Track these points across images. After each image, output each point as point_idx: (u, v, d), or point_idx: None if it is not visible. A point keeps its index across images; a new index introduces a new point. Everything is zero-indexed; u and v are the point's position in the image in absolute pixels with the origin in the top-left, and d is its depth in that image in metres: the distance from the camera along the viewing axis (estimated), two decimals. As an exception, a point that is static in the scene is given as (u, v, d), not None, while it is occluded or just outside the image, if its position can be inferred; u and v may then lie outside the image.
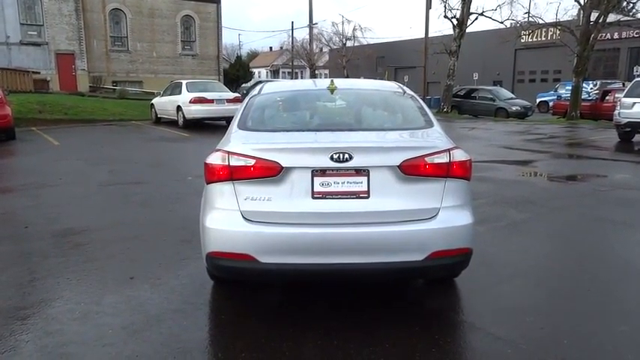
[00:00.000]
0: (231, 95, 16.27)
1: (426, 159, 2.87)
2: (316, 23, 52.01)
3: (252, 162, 2.85)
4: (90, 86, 26.59)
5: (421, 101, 3.71)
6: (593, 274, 4.00)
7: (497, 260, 4.27)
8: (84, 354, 2.81)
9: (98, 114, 18.82)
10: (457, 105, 26.58)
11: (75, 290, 3.67)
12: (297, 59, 56.52)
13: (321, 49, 51.69)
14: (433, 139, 3.07)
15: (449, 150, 2.95)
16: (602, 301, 3.47)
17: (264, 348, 2.85)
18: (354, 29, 46.78)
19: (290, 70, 64.37)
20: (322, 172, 2.84)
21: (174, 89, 16.35)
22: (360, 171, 2.84)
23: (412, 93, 3.84)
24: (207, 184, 3.00)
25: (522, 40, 29.44)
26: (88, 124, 17.10)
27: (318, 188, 2.84)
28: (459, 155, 2.99)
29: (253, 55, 76.67)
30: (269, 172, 2.82)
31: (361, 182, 2.85)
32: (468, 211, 3.02)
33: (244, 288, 3.66)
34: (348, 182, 2.84)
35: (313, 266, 2.81)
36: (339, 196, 2.84)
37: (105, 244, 4.70)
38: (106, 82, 27.65)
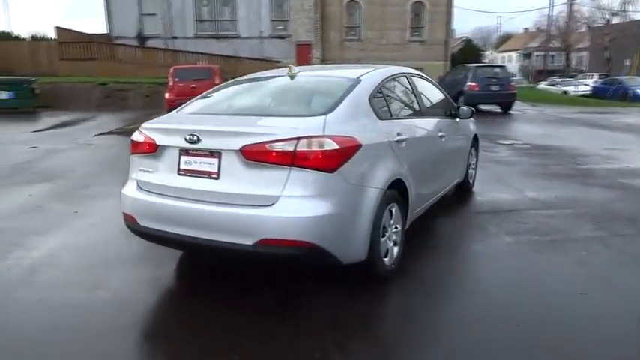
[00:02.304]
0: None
1: (266, 146, 2.88)
2: (577, -2, 45.66)
3: (142, 139, 3.35)
4: (323, 73, 29.74)
5: (359, 91, 3.46)
6: (572, 314, 3.13)
7: (471, 278, 3.70)
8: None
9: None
10: None
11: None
12: (552, 41, 50.82)
13: (588, 27, 45.12)
14: (290, 126, 2.98)
15: (297, 138, 2.86)
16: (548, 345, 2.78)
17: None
18: (624, 2, 39.47)
19: (544, 54, 58.21)
20: (187, 152, 3.15)
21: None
22: (213, 153, 3.05)
23: (367, 81, 3.62)
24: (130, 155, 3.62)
25: None
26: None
27: (183, 166, 3.17)
28: (314, 145, 2.86)
29: (505, 37, 71.71)
30: (150, 149, 3.30)
31: (213, 164, 3.05)
32: (322, 203, 2.87)
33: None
34: (204, 163, 3.09)
35: (171, 235, 3.17)
36: (197, 175, 3.12)
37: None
38: (338, 69, 30.42)
